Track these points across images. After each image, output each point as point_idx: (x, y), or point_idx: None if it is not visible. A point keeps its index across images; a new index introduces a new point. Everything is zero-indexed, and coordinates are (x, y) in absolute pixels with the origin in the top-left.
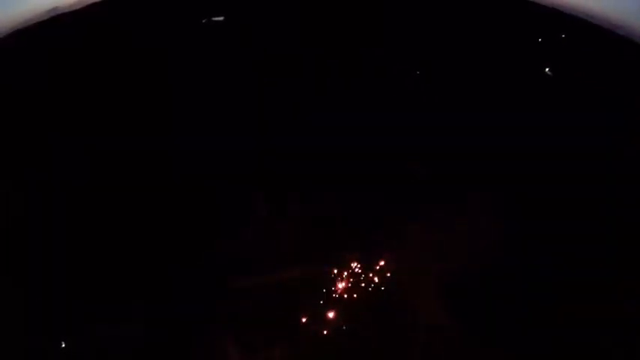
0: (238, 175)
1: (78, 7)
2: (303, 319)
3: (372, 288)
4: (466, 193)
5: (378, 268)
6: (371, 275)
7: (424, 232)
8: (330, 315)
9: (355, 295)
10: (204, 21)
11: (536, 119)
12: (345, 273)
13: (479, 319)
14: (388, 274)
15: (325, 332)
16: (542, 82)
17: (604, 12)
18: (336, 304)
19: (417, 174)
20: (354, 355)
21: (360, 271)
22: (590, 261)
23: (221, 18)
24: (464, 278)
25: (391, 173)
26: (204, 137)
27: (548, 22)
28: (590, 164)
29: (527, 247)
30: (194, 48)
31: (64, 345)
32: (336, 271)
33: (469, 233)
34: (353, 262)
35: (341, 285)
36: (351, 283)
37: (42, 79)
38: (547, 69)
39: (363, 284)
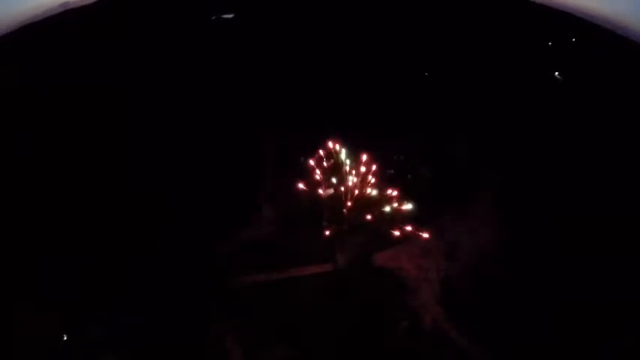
0: (238, 174)
1: (87, 3)
2: (304, 319)
3: (373, 289)
4: (467, 195)
5: (379, 269)
6: (373, 276)
7: (426, 232)
8: (331, 315)
9: (357, 296)
10: (213, 18)
11: (536, 119)
12: (347, 273)
13: (479, 320)
14: (389, 275)
15: (326, 331)
16: (542, 82)
17: (604, 12)
18: (337, 304)
19: (420, 175)
20: (356, 356)
21: (361, 271)
22: (590, 262)
23: (231, 15)
24: (464, 279)
25: (393, 173)
26: (204, 137)
27: (548, 20)
28: (590, 164)
29: (527, 249)
30: (196, 47)
31: (63, 345)
32: (338, 271)
33: (469, 234)
34: (353, 261)
35: (343, 286)
36: (352, 283)
37: (44, 75)
38: (551, 69)
39: (364, 285)
